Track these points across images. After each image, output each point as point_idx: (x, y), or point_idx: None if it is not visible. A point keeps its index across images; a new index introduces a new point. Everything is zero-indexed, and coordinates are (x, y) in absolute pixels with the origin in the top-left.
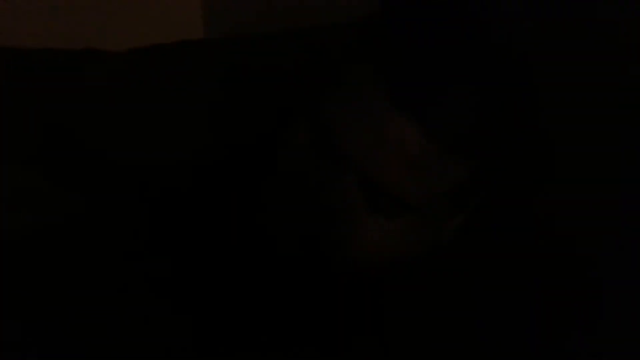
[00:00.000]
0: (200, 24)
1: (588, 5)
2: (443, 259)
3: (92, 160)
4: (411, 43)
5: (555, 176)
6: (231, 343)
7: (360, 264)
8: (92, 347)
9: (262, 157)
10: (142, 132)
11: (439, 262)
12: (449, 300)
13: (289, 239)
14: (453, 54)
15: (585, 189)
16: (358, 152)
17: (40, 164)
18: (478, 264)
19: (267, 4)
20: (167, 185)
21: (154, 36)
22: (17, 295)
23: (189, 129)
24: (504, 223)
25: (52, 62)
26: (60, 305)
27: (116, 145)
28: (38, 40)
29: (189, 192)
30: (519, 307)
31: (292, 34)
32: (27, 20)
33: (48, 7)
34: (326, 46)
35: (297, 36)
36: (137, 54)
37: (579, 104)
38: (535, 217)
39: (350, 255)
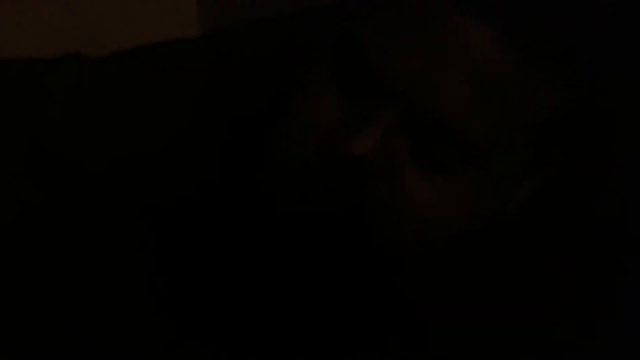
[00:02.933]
0: (195, 27)
1: None
2: (500, 239)
3: (69, 169)
4: None
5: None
6: (235, 345)
7: (395, 239)
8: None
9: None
10: (124, 137)
11: (494, 244)
12: (499, 291)
13: (304, 209)
14: None
15: None
16: (405, 75)
17: (18, 175)
18: (539, 254)
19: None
20: (157, 188)
21: (147, 40)
22: None
23: (181, 129)
24: (578, 210)
25: (31, 71)
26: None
27: (95, 152)
28: (25, 46)
29: (182, 193)
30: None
31: (281, 20)
32: (13, 27)
33: (34, 11)
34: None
35: (287, 22)
36: (119, 57)
37: None
38: (604, 210)
39: (383, 228)
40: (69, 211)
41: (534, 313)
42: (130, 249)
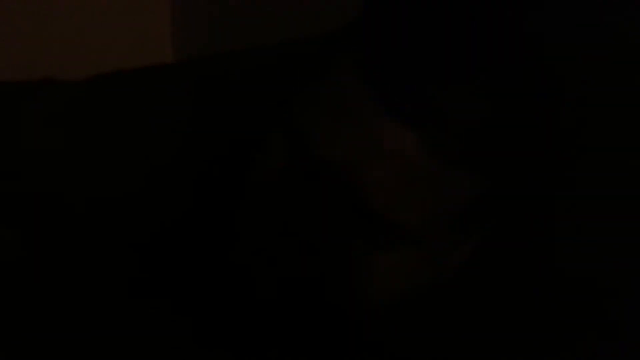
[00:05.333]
0: (169, 50)
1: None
2: (441, 300)
3: (46, 198)
4: (405, 34)
5: (577, 203)
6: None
7: (348, 304)
8: None
9: (235, 183)
10: (102, 166)
11: (436, 304)
12: (449, 345)
13: (267, 279)
14: (456, 45)
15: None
16: (342, 163)
17: None
18: (481, 307)
19: (239, 25)
20: (133, 221)
21: (121, 63)
22: None
23: (155, 158)
24: (514, 261)
25: (8, 94)
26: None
27: (72, 185)
28: None
29: (158, 226)
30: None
31: (264, 49)
32: None
33: (5, 34)
34: (304, 56)
35: (271, 50)
36: (96, 81)
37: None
38: (549, 255)
39: (336, 296)
40: (50, 255)
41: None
42: (111, 287)
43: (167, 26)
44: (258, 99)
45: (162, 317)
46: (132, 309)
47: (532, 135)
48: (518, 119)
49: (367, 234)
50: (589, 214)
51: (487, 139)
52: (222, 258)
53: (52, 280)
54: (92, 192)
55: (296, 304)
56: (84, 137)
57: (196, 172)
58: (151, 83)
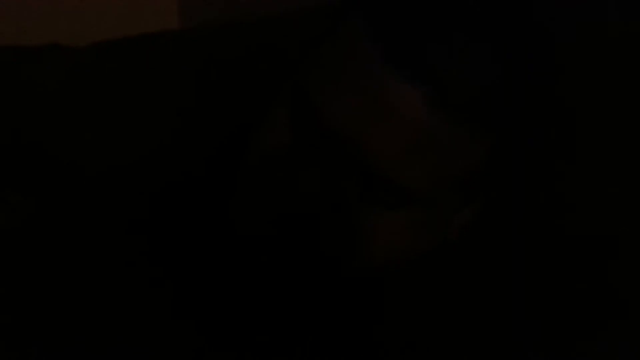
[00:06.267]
0: (175, 18)
1: None
2: (444, 261)
3: (52, 163)
4: None
5: (577, 167)
6: (221, 345)
7: (351, 265)
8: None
9: (237, 150)
10: (105, 130)
11: (439, 265)
12: (450, 307)
13: (268, 242)
14: (465, 2)
15: (610, 184)
16: (347, 127)
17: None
18: (484, 269)
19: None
20: (136, 185)
21: (127, 30)
22: None
23: (158, 126)
24: (517, 223)
25: (13, 59)
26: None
27: (77, 145)
28: (3, 36)
29: (160, 191)
30: (528, 319)
31: (272, 21)
32: None
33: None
34: (310, 23)
35: (279, 22)
36: (101, 48)
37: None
38: (551, 221)
39: (340, 256)
40: (59, 217)
41: (490, 326)
42: (119, 253)
43: None
44: (263, 66)
45: (164, 306)
46: (136, 287)
47: (538, 96)
48: (525, 79)
49: (370, 195)
50: (591, 176)
51: (494, 97)
52: (224, 222)
53: (62, 244)
54: (97, 157)
55: (298, 266)
56: (89, 102)
57: (200, 138)
58: (156, 49)
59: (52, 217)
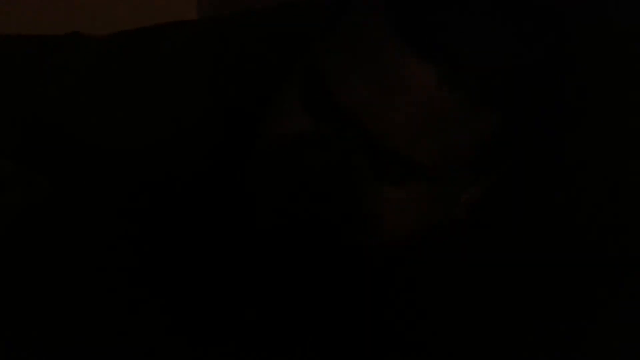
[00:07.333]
0: (193, 7)
1: None
2: (452, 238)
3: (72, 147)
4: None
5: (588, 146)
6: (228, 340)
7: (361, 241)
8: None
9: (251, 136)
10: (126, 116)
11: (447, 242)
12: (456, 285)
13: (280, 219)
14: None
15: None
16: (360, 103)
17: (19, 154)
18: (490, 247)
19: None
20: (156, 169)
21: (147, 21)
22: None
23: (178, 112)
24: (524, 203)
25: (35, 48)
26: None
27: (97, 130)
28: (25, 26)
29: (177, 177)
30: (533, 297)
31: (290, 7)
32: (15, 6)
33: None
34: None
35: (296, 9)
36: (122, 37)
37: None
38: (559, 202)
39: (350, 232)
40: (73, 198)
41: (499, 305)
42: (126, 239)
43: None
44: (278, 54)
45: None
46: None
47: (550, 76)
48: (538, 59)
49: (381, 171)
50: (600, 156)
51: (507, 75)
52: (235, 204)
53: (76, 221)
54: (116, 141)
55: (310, 248)
56: (109, 88)
57: (215, 126)
58: (173, 39)
59: (67, 197)
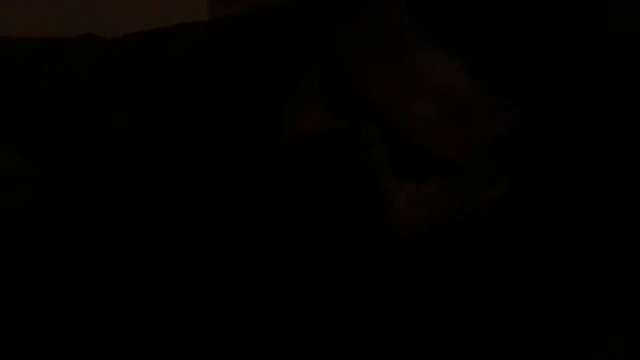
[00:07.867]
0: (205, 10)
1: None
2: (473, 235)
3: (82, 146)
4: None
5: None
6: (237, 336)
7: (381, 237)
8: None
9: (266, 127)
10: (136, 117)
11: (467, 239)
12: (475, 280)
13: (301, 213)
14: None
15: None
16: (381, 96)
17: (30, 151)
18: (514, 244)
19: None
20: (164, 169)
21: (158, 23)
22: None
23: (184, 112)
24: (545, 202)
25: (50, 49)
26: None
27: (108, 130)
28: (36, 28)
29: (188, 175)
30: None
31: (294, 7)
32: (26, 8)
33: None
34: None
35: (301, 9)
36: (133, 39)
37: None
38: (580, 201)
39: (370, 227)
40: (71, 181)
41: (516, 302)
42: (128, 223)
43: None
44: (291, 53)
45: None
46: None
47: (571, 69)
48: (559, 52)
49: (402, 166)
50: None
51: (528, 69)
52: (249, 196)
53: (83, 219)
54: (128, 141)
55: (322, 239)
56: (121, 89)
57: (223, 126)
58: (180, 41)
59: (75, 195)
